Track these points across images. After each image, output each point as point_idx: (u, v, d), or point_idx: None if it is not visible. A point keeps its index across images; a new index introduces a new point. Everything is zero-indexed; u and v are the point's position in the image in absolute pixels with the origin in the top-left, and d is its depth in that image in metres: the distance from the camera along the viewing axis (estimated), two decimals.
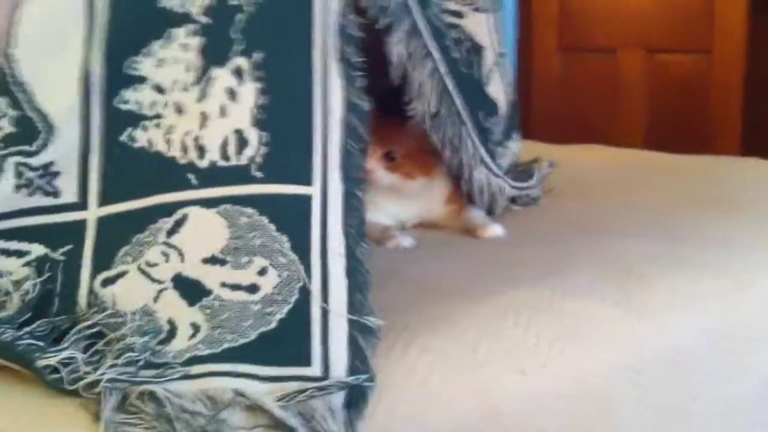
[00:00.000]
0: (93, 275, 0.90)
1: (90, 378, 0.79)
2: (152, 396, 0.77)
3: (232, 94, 0.93)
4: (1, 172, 0.94)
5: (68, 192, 0.95)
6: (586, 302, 1.03)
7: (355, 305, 0.87)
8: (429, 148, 1.32)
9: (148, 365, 0.82)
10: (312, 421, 0.77)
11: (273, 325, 0.85)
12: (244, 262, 0.87)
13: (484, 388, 0.88)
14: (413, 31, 1.19)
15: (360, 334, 0.86)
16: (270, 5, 0.96)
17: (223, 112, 0.92)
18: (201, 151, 0.91)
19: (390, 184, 1.31)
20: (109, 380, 0.79)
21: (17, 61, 0.96)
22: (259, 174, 0.90)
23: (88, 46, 0.97)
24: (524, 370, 0.91)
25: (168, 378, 0.80)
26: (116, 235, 0.91)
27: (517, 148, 1.55)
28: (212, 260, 0.87)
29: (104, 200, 0.94)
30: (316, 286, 0.87)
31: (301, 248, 0.88)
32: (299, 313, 0.86)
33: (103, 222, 0.93)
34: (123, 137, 0.95)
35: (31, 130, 0.95)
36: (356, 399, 0.80)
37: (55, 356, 0.82)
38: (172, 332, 0.85)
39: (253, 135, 0.91)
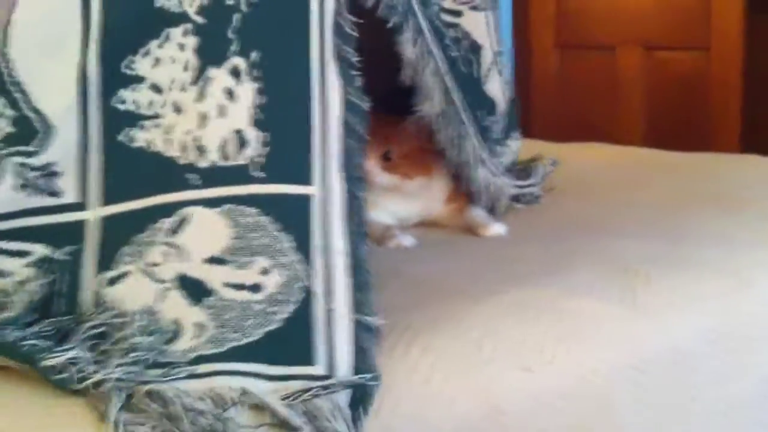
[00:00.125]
0: (96, 275, 0.91)
1: (96, 377, 0.80)
2: (158, 395, 0.78)
3: (230, 94, 0.93)
4: (2, 173, 0.94)
5: (69, 192, 0.95)
6: (587, 301, 1.04)
7: (357, 305, 0.88)
8: (427, 147, 1.32)
9: (154, 365, 0.82)
10: (317, 420, 0.77)
11: (277, 324, 0.85)
12: (246, 262, 0.87)
13: (487, 387, 0.88)
14: (418, 30, 1.20)
15: (363, 334, 0.86)
16: (266, 5, 0.95)
17: (221, 112, 0.92)
18: (200, 151, 0.92)
19: (388, 184, 1.31)
20: (116, 380, 0.79)
21: (13, 60, 0.96)
22: (259, 174, 0.90)
23: (85, 45, 0.96)
24: (530, 367, 0.91)
25: (174, 377, 0.81)
26: (118, 235, 0.92)
27: (517, 147, 1.55)
28: (215, 260, 0.87)
29: (105, 200, 0.94)
30: (318, 286, 0.87)
31: (304, 248, 0.88)
32: (303, 313, 0.86)
33: (104, 222, 0.93)
34: (121, 137, 0.94)
35: (29, 130, 0.95)
36: (361, 398, 0.81)
37: (60, 356, 0.82)
38: (176, 332, 0.85)
39: (252, 135, 0.91)
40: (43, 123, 0.95)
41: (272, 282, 0.86)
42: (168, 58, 0.95)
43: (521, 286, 1.07)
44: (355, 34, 0.97)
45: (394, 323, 0.93)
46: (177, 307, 0.86)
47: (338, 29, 0.96)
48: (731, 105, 2.76)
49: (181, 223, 0.90)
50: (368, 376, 0.83)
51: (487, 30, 1.43)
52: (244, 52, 0.93)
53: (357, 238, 0.91)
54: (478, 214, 1.38)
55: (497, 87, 1.46)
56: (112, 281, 0.89)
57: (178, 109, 0.94)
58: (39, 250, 0.93)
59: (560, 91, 3.16)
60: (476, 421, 0.86)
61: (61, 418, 0.78)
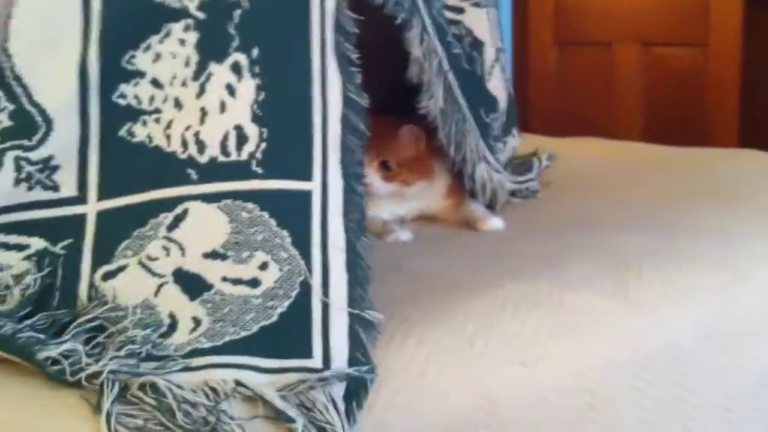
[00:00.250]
0: (93, 269, 0.91)
1: (92, 369, 0.80)
2: (153, 387, 0.78)
3: (230, 89, 0.93)
4: (1, 166, 0.94)
5: (68, 186, 0.95)
6: (583, 295, 1.04)
7: (355, 299, 0.88)
8: (424, 151, 1.33)
9: (150, 357, 0.82)
10: (312, 412, 0.77)
11: (274, 318, 0.85)
12: (245, 256, 0.87)
13: (482, 380, 0.88)
14: (424, 28, 1.20)
15: (360, 328, 0.86)
16: (267, 1, 0.96)
17: (222, 107, 0.93)
18: (201, 146, 0.92)
19: (388, 193, 1.32)
20: (111, 371, 0.79)
21: (14, 54, 0.96)
22: (259, 169, 0.90)
23: (85, 40, 0.96)
24: (524, 361, 0.91)
25: (169, 370, 0.81)
26: (116, 229, 0.92)
27: (515, 144, 1.55)
28: (213, 255, 0.87)
29: (104, 194, 0.94)
30: (316, 281, 0.87)
31: (302, 243, 0.88)
32: (300, 307, 0.86)
33: (102, 216, 0.93)
34: (122, 132, 0.95)
35: (29, 124, 0.95)
36: (356, 391, 0.81)
37: (56, 348, 0.82)
38: (173, 326, 0.85)
39: (252, 131, 0.91)
40: (44, 117, 0.95)
41: (270, 277, 0.87)
42: (169, 54, 0.95)
43: (517, 280, 1.07)
44: (356, 30, 0.97)
45: (390, 316, 0.93)
46: (174, 302, 0.86)
47: (339, 26, 0.96)
48: (729, 101, 2.77)
49: (181, 217, 0.90)
50: (363, 368, 0.83)
51: (488, 27, 1.43)
52: (245, 48, 0.94)
53: (356, 234, 0.91)
54: (476, 208, 1.38)
55: (499, 84, 1.46)
56: (110, 275, 0.90)
57: (178, 105, 0.94)
58: (37, 243, 0.93)
59: (558, 87, 3.16)
60: (471, 414, 0.86)
61: (55, 409, 0.78)
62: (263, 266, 0.87)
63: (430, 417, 0.84)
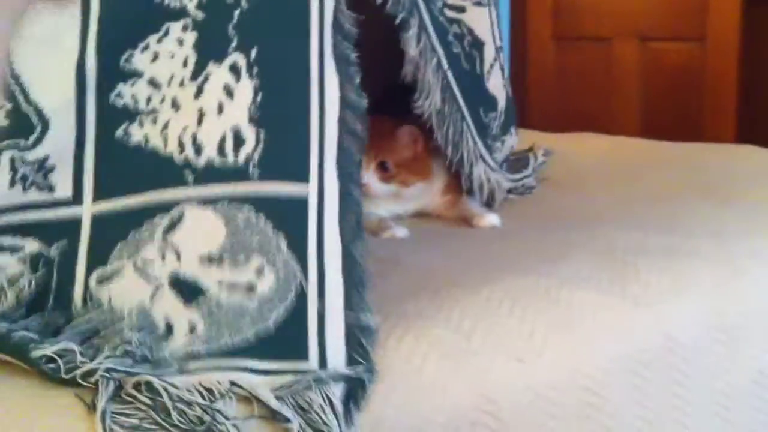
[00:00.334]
0: (88, 272, 0.90)
1: (87, 367, 0.80)
2: (148, 386, 0.77)
3: (228, 90, 0.92)
4: None
5: (63, 187, 0.94)
6: (580, 291, 1.04)
7: (352, 302, 0.87)
8: (422, 151, 1.33)
9: (145, 360, 0.82)
10: (309, 413, 0.77)
11: (270, 322, 0.85)
12: (241, 260, 0.86)
13: (479, 376, 0.88)
14: (422, 27, 1.19)
15: (358, 331, 0.86)
16: (267, 1, 0.95)
17: (220, 108, 0.92)
18: (198, 148, 0.91)
19: (387, 194, 1.32)
20: (106, 370, 0.79)
21: (12, 53, 0.95)
22: (255, 172, 0.90)
23: (84, 39, 0.96)
24: (521, 358, 0.91)
25: (164, 371, 0.80)
26: (112, 232, 0.91)
27: (513, 142, 1.55)
28: (209, 259, 0.87)
29: (99, 196, 0.93)
30: (312, 285, 0.86)
31: (298, 247, 0.88)
32: (296, 311, 0.85)
33: (98, 218, 0.93)
34: (119, 132, 0.94)
35: (25, 124, 0.94)
36: (354, 391, 0.81)
37: (50, 347, 0.82)
38: (168, 330, 0.85)
39: (250, 132, 0.91)
40: (39, 117, 0.94)
41: (266, 281, 0.86)
42: (167, 53, 0.94)
43: (514, 276, 1.07)
44: (355, 30, 0.96)
45: (387, 312, 0.93)
46: (169, 306, 0.86)
47: (338, 25, 0.95)
48: (727, 96, 2.76)
49: (177, 220, 0.89)
50: (360, 368, 0.82)
51: (489, 26, 1.43)
52: (243, 49, 0.93)
53: (353, 236, 0.90)
54: (472, 205, 1.39)
55: (498, 83, 1.45)
56: (105, 278, 0.89)
57: (176, 105, 0.93)
58: (32, 245, 0.92)
59: (556, 82, 3.16)
60: (468, 410, 0.86)
61: (49, 408, 0.78)
62: (259, 271, 0.86)
63: (427, 414, 0.84)
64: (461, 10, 1.36)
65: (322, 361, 0.83)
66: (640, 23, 2.96)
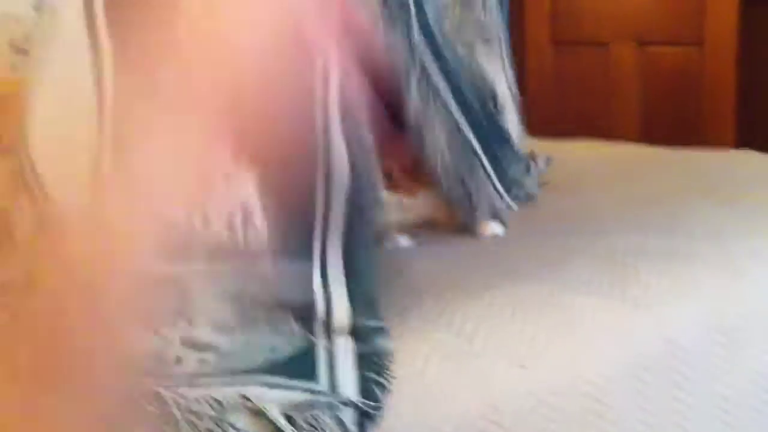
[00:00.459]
0: None
1: None
2: (157, 397, 0.78)
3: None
4: None
5: None
6: (582, 296, 1.04)
7: (361, 328, 0.90)
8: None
9: (152, 375, 0.82)
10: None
11: (279, 354, 0.87)
12: (251, 329, 0.88)
13: (482, 382, 0.89)
14: (424, 73, 1.19)
15: (368, 363, 0.88)
16: None
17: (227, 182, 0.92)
18: (206, 221, 0.91)
19: (392, 203, 1.31)
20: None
21: (33, 151, 0.96)
22: (260, 249, 0.90)
23: (100, 132, 0.96)
24: (524, 364, 0.92)
25: (174, 384, 0.81)
26: None
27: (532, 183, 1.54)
28: (220, 329, 0.88)
29: None
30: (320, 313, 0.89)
31: (307, 323, 0.90)
32: (306, 348, 0.88)
33: None
34: None
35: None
36: (367, 414, 0.81)
37: None
38: (179, 360, 0.86)
39: (257, 209, 0.91)
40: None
41: (280, 341, 0.88)
42: None
43: (516, 282, 1.07)
44: (364, 97, 0.97)
45: (391, 319, 0.94)
46: (181, 351, 0.87)
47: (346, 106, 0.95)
48: (725, 100, 2.77)
49: (187, 292, 0.90)
50: (371, 403, 0.82)
51: (501, 64, 1.40)
52: None
53: (364, 311, 0.92)
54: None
55: (513, 118, 1.44)
56: None
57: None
58: None
59: (555, 87, 3.17)
60: (472, 417, 0.86)
61: None
62: (271, 335, 0.88)
63: (430, 419, 0.85)
64: (471, 46, 1.35)
65: (332, 384, 0.84)
66: (637, 27, 2.97)
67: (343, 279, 0.92)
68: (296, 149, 0.89)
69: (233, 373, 0.84)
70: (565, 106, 3.09)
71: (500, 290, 1.04)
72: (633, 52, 2.99)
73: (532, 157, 1.63)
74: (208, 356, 0.87)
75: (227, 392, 0.80)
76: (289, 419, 0.78)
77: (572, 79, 3.13)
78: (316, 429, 0.77)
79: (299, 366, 0.86)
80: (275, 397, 0.80)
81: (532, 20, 3.27)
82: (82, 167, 0.95)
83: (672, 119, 2.87)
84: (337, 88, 0.92)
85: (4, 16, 2.80)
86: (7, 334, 0.56)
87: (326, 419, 0.78)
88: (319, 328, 0.89)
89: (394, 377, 0.86)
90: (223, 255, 0.90)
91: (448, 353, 0.90)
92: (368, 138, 0.96)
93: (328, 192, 0.93)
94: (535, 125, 2.71)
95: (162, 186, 0.56)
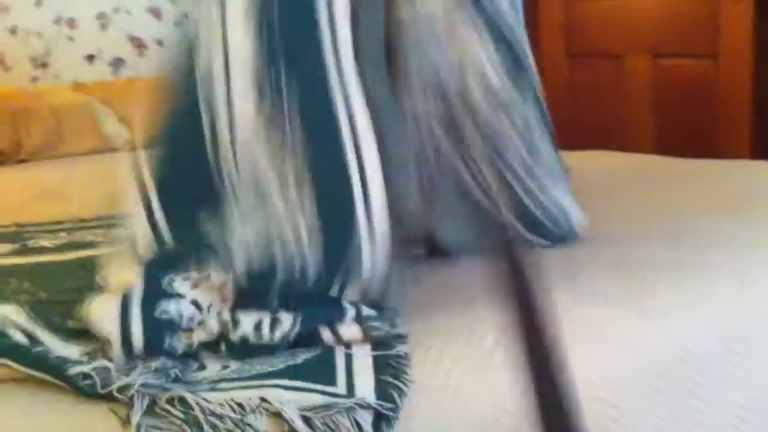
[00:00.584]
0: None
1: (122, 382, 0.82)
2: (181, 400, 0.80)
3: None
4: None
5: None
6: (596, 307, 1.05)
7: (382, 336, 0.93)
8: None
9: (177, 380, 0.85)
10: None
11: (299, 360, 0.90)
12: None
13: (500, 392, 0.90)
14: None
15: (388, 357, 0.90)
16: None
17: None
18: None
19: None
20: (141, 385, 0.82)
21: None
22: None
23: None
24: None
25: (197, 387, 0.83)
26: None
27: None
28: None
29: None
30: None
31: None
32: (325, 351, 0.91)
33: None
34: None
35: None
36: (385, 417, 0.83)
37: (87, 365, 0.85)
38: (202, 367, 0.89)
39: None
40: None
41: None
42: (207, 287, 0.96)
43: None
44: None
45: (411, 330, 0.96)
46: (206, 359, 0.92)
47: None
48: (739, 112, 2.76)
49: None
50: (387, 405, 0.83)
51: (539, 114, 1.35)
52: None
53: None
54: None
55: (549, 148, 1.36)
56: None
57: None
58: None
59: (570, 99, 3.17)
60: (490, 425, 0.88)
61: (85, 423, 0.81)
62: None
63: (450, 428, 0.86)
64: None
65: (350, 388, 0.85)
66: (652, 39, 2.97)
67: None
68: None
69: (254, 377, 0.86)
70: (579, 117, 3.10)
71: None
72: (647, 64, 2.99)
73: None
74: (231, 362, 0.89)
75: (248, 395, 0.81)
76: (307, 421, 0.79)
77: (587, 91, 3.14)
78: (333, 430, 0.79)
79: (318, 370, 0.88)
80: (293, 400, 0.81)
81: (547, 33, 3.28)
82: None
83: (687, 131, 2.87)
84: None
85: (25, 32, 2.86)
86: None
87: (343, 421, 0.80)
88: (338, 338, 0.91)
89: (411, 381, 0.87)
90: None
91: (468, 368, 0.92)
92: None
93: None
94: None
95: None
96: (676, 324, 1.05)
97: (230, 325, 0.93)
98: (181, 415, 0.79)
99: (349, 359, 0.90)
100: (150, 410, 0.80)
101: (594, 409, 0.94)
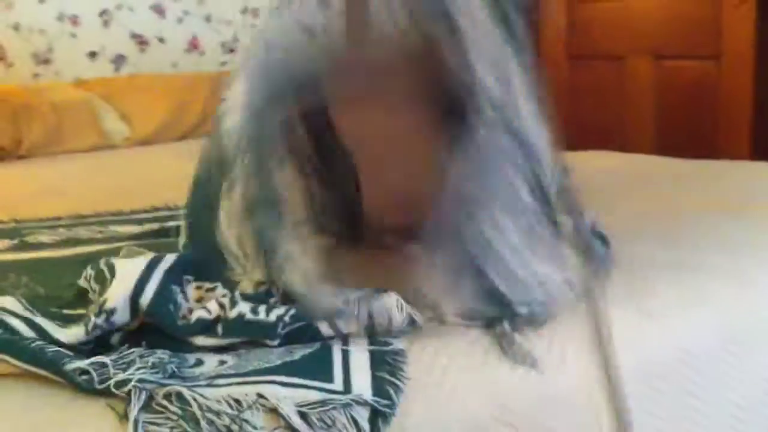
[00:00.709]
0: None
1: (120, 377, 0.82)
2: (178, 396, 0.80)
3: None
4: None
5: None
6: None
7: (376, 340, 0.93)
8: None
9: (174, 376, 0.85)
10: (331, 430, 0.79)
11: (296, 356, 0.90)
12: None
13: (497, 389, 0.90)
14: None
15: (384, 353, 0.90)
16: None
17: None
18: None
19: None
20: (138, 380, 0.82)
21: None
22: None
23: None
24: (538, 370, 0.93)
25: (195, 384, 0.83)
26: None
27: None
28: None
29: None
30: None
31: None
32: (322, 348, 0.92)
33: None
34: None
35: None
36: (382, 412, 0.83)
37: (84, 360, 0.85)
38: (199, 362, 0.89)
39: None
40: None
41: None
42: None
43: None
44: None
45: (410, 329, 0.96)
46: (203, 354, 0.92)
47: None
48: (741, 113, 2.76)
49: None
50: (383, 402, 0.83)
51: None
52: None
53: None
54: None
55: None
56: None
57: None
58: None
59: (572, 101, 3.18)
60: (486, 422, 0.87)
61: (82, 418, 0.80)
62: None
63: (447, 424, 0.86)
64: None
65: (347, 384, 0.85)
66: (653, 41, 2.97)
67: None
68: None
69: (251, 373, 0.86)
70: (581, 118, 3.10)
71: None
72: (649, 65, 2.99)
73: None
74: (228, 357, 0.89)
75: (245, 391, 0.81)
76: (303, 417, 0.79)
77: (588, 92, 3.14)
78: (329, 426, 0.79)
79: (315, 366, 0.88)
80: (290, 396, 0.81)
81: (548, 35, 3.28)
82: None
83: (688, 133, 2.87)
84: None
85: (28, 29, 2.86)
86: None
87: (340, 417, 0.80)
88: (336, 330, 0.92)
89: (407, 378, 0.87)
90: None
91: (465, 365, 0.91)
92: None
93: None
94: (553, 137, 2.71)
95: None
96: (676, 324, 1.05)
97: (228, 306, 0.94)
98: (179, 411, 0.79)
99: (345, 355, 0.90)
100: (147, 406, 0.80)
101: (591, 406, 0.94)
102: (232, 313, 0.94)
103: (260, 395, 0.81)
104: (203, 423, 0.77)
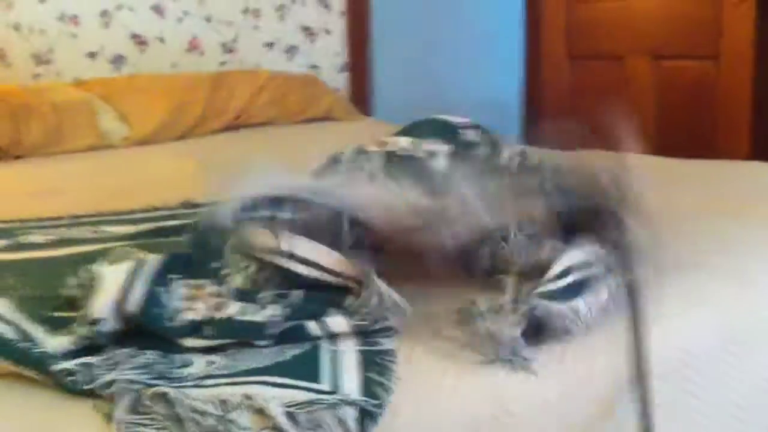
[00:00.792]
0: None
1: (106, 378, 0.82)
2: (164, 397, 0.79)
3: None
4: None
5: None
6: None
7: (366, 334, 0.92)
8: None
9: (161, 377, 0.84)
10: (319, 430, 0.79)
11: (287, 357, 0.89)
12: None
13: (495, 389, 0.89)
14: None
15: (372, 364, 0.89)
16: None
17: None
18: None
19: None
20: (125, 381, 0.81)
21: None
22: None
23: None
24: (535, 370, 0.92)
25: (182, 384, 0.82)
26: None
27: None
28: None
29: None
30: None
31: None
32: (311, 353, 0.91)
33: None
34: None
35: None
36: (369, 412, 0.82)
37: (70, 361, 0.84)
38: (188, 363, 0.88)
39: None
40: None
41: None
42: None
43: None
44: None
45: (407, 329, 0.95)
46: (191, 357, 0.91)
47: None
48: (740, 113, 2.76)
49: None
50: (372, 402, 0.83)
51: None
52: None
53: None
54: None
55: None
56: None
57: None
58: None
59: (571, 101, 3.18)
60: (484, 422, 0.87)
61: (67, 419, 0.80)
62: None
63: (443, 425, 0.86)
64: None
65: (335, 384, 0.85)
66: (653, 41, 2.97)
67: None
68: None
69: (239, 373, 0.85)
70: (580, 118, 3.09)
71: None
72: (648, 66, 2.99)
73: None
74: (217, 358, 0.88)
75: (232, 392, 0.81)
76: (291, 417, 0.79)
77: (588, 93, 3.14)
78: (317, 426, 0.78)
79: (303, 366, 0.87)
80: (278, 396, 0.81)
81: (549, 35, 3.28)
82: None
83: (687, 133, 2.87)
84: None
85: (28, 29, 2.86)
86: None
87: (327, 417, 0.79)
88: (324, 330, 0.91)
89: (397, 378, 0.86)
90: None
91: (462, 365, 0.91)
92: None
93: None
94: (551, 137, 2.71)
95: None
96: (676, 324, 1.04)
97: (217, 307, 0.94)
98: (164, 412, 0.78)
99: (335, 356, 0.89)
100: (134, 406, 0.79)
101: (588, 407, 0.94)
102: (221, 315, 0.93)
103: (247, 396, 0.80)
104: (188, 423, 0.77)
